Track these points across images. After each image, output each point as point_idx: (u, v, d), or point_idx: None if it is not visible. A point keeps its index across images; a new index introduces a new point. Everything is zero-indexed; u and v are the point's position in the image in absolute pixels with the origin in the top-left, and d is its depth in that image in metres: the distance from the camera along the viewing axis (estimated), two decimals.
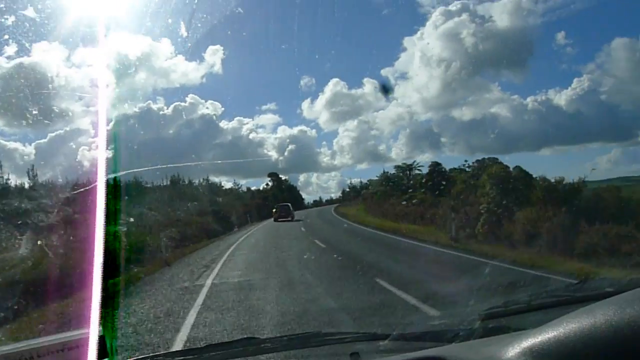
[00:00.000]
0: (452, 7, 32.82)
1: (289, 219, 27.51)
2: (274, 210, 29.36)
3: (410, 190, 32.52)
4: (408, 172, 38.36)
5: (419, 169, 37.35)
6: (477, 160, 30.17)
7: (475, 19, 31.18)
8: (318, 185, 51.05)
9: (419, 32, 36.72)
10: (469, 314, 1.81)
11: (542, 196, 13.26)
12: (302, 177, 59.35)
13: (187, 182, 28.12)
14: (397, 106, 39.06)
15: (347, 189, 45.99)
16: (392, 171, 37.91)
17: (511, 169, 15.44)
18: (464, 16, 31.29)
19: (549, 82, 36.39)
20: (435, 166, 37.13)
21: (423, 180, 35.21)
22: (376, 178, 39.77)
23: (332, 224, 24.68)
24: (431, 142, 38.64)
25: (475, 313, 1.74)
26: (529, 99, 33.02)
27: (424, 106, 42.23)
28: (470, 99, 37.25)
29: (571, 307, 1.15)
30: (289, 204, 31.52)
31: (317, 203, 47.22)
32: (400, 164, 39.06)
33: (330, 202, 46.49)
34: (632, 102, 28.94)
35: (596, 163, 29.31)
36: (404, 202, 29.36)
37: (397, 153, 40.71)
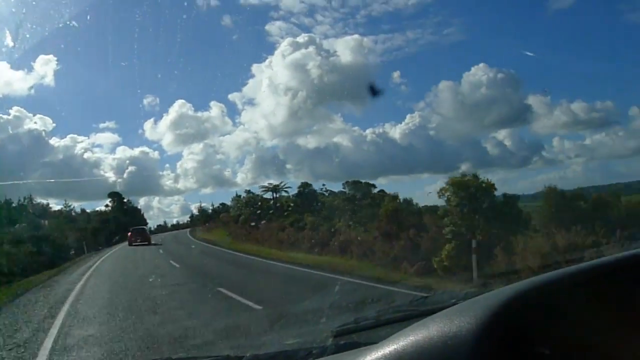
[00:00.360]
0: (300, 39, 31.66)
1: (146, 243, 25.20)
2: (128, 233, 26.37)
3: (287, 212, 28.77)
4: (274, 194, 34.56)
5: (285, 190, 33.92)
6: (352, 182, 28.86)
7: (321, 52, 31.08)
8: (160, 210, 46.96)
9: (267, 60, 35.19)
10: (322, 331, 1.80)
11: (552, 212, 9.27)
12: (142, 201, 52.41)
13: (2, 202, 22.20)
14: (244, 131, 37.28)
15: (197, 213, 41.67)
16: (243, 194, 35.13)
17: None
18: (311, 49, 30.80)
19: (386, 116, 40.93)
20: (305, 187, 33.77)
21: (292, 203, 32.16)
22: (241, 198, 35.70)
23: (211, 256, 18.47)
24: (277, 168, 36.42)
25: (328, 331, 1.75)
26: (368, 131, 33.67)
27: (270, 133, 40.00)
28: (315, 127, 37.80)
29: (415, 320, 1.09)
30: (145, 227, 29.19)
31: (162, 228, 41.53)
32: (267, 184, 34.63)
33: (176, 227, 41.68)
34: (454, 138, 32.32)
35: (427, 192, 31.05)
36: (288, 227, 24.98)
37: (243, 178, 39.37)
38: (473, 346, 0.87)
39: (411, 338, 0.94)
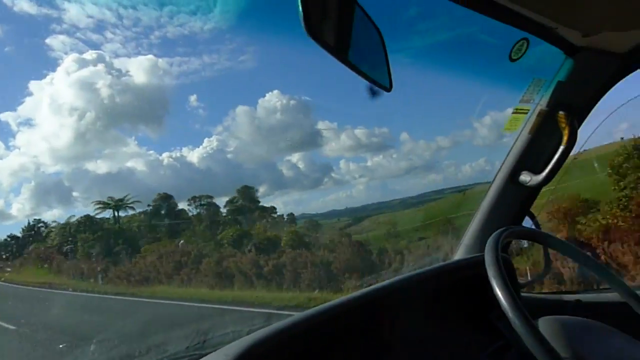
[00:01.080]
0: (87, 56, 28.40)
1: None
2: None
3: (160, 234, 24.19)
4: (116, 212, 28.93)
5: (131, 207, 28.86)
6: (242, 188, 26.46)
7: (112, 71, 28.71)
8: None
9: (48, 77, 30.72)
10: None
11: None
12: None
13: None
14: (20, 156, 31.35)
15: None
16: (32, 223, 28.90)
17: None
18: (100, 67, 27.98)
19: (183, 140, 38.08)
20: (165, 199, 29.28)
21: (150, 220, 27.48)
22: (33, 226, 28.78)
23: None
24: (61, 197, 31.93)
25: None
26: (164, 155, 31.82)
27: (52, 157, 34.52)
28: (106, 151, 34.31)
29: None
30: None
31: None
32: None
33: None
34: (252, 161, 33.36)
35: None
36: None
37: (19, 209, 32.14)
38: None
39: None
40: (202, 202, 27.00)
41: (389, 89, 1.11)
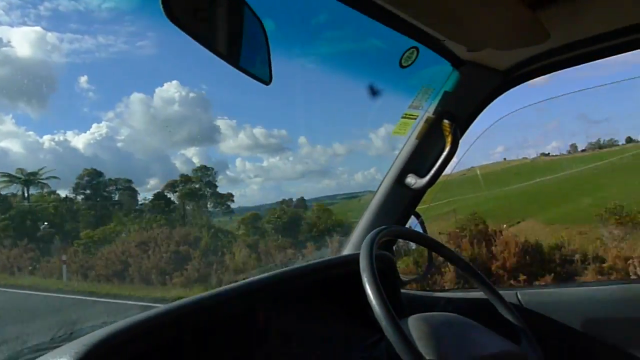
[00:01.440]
0: None
1: None
2: None
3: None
4: (25, 188, 25.33)
5: (43, 182, 25.64)
6: (200, 168, 25.17)
7: None
8: None
9: None
10: None
11: None
12: None
13: None
14: None
15: None
16: None
17: None
18: None
19: (69, 123, 35.12)
20: (94, 177, 26.61)
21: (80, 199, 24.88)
22: None
23: None
24: None
25: None
26: (45, 137, 27.94)
27: None
28: None
29: None
30: None
31: None
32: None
33: None
34: (144, 152, 30.19)
35: None
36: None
37: None
38: None
39: None
40: (119, 187, 25.67)
41: (268, 82, 1.10)
